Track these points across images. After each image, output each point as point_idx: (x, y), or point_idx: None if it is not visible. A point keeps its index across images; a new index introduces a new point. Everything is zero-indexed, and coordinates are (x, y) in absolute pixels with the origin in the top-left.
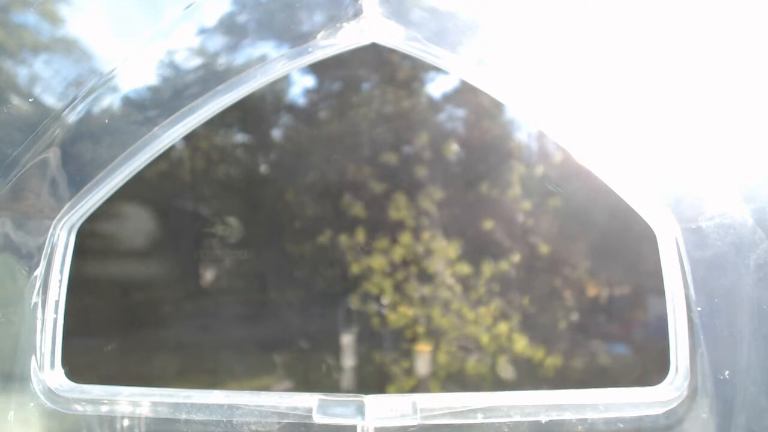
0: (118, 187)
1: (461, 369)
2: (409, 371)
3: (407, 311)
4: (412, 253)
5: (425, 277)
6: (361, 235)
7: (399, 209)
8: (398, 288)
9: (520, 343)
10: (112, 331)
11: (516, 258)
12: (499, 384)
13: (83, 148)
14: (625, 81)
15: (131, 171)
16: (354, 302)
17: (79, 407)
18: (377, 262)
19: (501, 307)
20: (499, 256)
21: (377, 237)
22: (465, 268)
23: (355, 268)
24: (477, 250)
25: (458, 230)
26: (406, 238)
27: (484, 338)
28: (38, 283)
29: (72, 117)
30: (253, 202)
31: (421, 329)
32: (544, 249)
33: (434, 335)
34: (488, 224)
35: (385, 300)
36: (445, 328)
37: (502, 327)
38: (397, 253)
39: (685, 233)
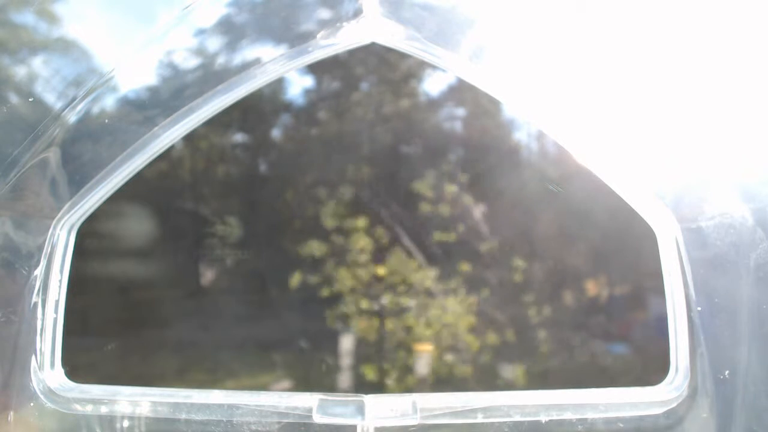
0: (118, 187)
1: (455, 373)
2: (405, 373)
3: (404, 313)
4: (408, 253)
5: (420, 277)
6: (358, 236)
7: (394, 210)
8: (395, 288)
9: (515, 344)
10: (112, 331)
11: (515, 258)
12: (495, 386)
13: (83, 148)
14: (626, 80)
15: (131, 171)
16: (350, 303)
17: (79, 407)
18: (372, 262)
19: (499, 309)
20: (499, 257)
21: (375, 237)
22: (460, 268)
23: (351, 269)
24: (475, 250)
25: (456, 230)
26: (400, 238)
27: (481, 339)
28: (38, 283)
29: (72, 117)
30: (253, 202)
31: (418, 330)
32: (543, 249)
33: (430, 337)
34: (489, 224)
35: (384, 300)
36: (440, 329)
37: (499, 327)
38: (393, 254)
39: (685, 233)
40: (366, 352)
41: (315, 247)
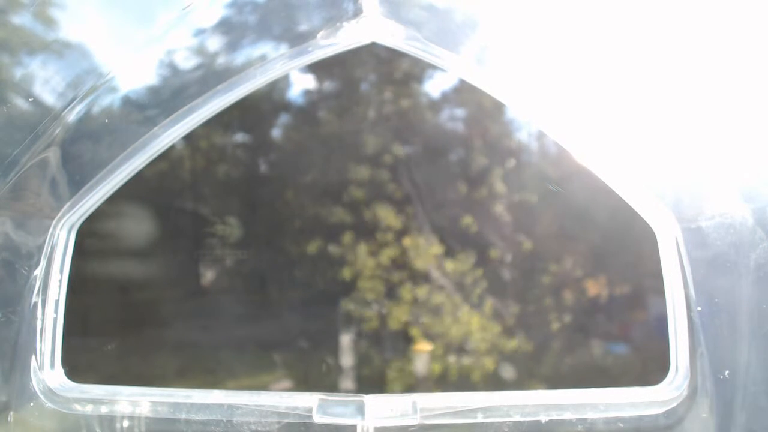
0: (118, 187)
1: (458, 370)
2: (408, 372)
3: (406, 311)
4: (410, 253)
5: (423, 277)
6: (359, 236)
7: (396, 210)
8: (397, 288)
9: (519, 343)
10: (112, 331)
11: (516, 258)
12: (495, 385)
13: (83, 148)
14: (626, 81)
15: (131, 171)
16: (352, 302)
17: (79, 407)
18: (375, 262)
19: (500, 308)
20: (500, 257)
21: (376, 237)
22: (462, 268)
23: (352, 269)
24: (476, 250)
25: (455, 231)
26: (403, 238)
27: (481, 340)
28: (38, 283)
29: (72, 116)
30: (253, 202)
31: (420, 329)
32: (544, 249)
33: (433, 336)
34: (489, 224)
35: (384, 300)
36: (443, 329)
37: (502, 328)
38: (394, 253)
39: (685, 233)
40: (373, 351)
41: (320, 246)
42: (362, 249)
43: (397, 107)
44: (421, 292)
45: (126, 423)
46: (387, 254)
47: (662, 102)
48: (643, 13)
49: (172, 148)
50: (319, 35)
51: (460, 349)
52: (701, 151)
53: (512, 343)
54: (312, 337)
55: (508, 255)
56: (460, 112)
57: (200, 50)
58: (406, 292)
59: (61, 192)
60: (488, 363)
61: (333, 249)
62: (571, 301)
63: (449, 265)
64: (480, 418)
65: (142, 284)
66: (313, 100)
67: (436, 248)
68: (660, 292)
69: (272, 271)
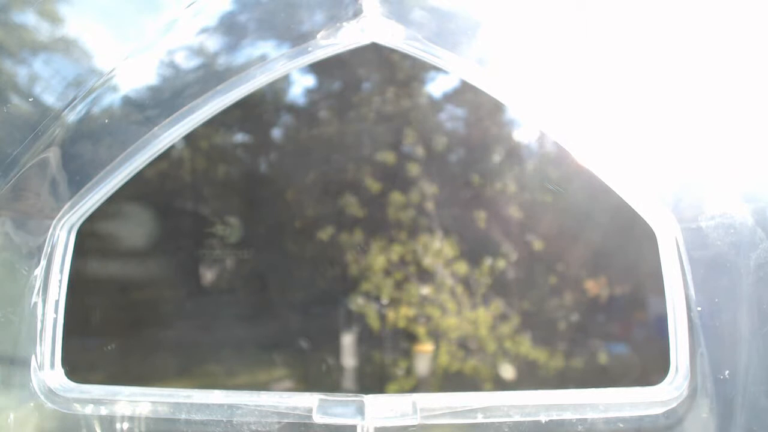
0: (118, 187)
1: (461, 369)
2: (409, 371)
3: (407, 311)
4: (412, 252)
5: (425, 276)
6: (360, 235)
7: (398, 209)
8: (398, 288)
9: (521, 343)
10: (112, 331)
11: (516, 258)
12: (498, 384)
13: (83, 148)
14: (626, 81)
15: (131, 171)
16: (353, 302)
17: (79, 407)
18: (376, 261)
19: (500, 307)
20: (500, 256)
21: (376, 237)
22: (464, 268)
23: (354, 269)
24: (477, 249)
25: (458, 230)
26: (405, 237)
27: (485, 338)
28: (38, 283)
29: (72, 117)
30: (253, 202)
31: (421, 329)
32: (544, 249)
33: (434, 335)
34: (489, 224)
35: (385, 300)
36: (444, 327)
37: (502, 327)
38: (396, 253)
39: (685, 233)
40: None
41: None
42: (364, 248)
43: (400, 107)
44: (426, 291)
45: (126, 423)
46: (386, 256)
47: (662, 103)
48: (643, 14)
49: (172, 148)
50: (319, 35)
51: (465, 348)
52: (701, 151)
53: (514, 342)
54: (312, 337)
55: (508, 254)
56: (461, 113)
57: (201, 50)
58: (412, 290)
59: (61, 192)
60: (492, 362)
61: (335, 249)
62: (571, 301)
63: (447, 264)
64: (480, 418)
65: (143, 284)
66: (314, 99)
67: (438, 248)
68: (660, 292)
69: (273, 270)
